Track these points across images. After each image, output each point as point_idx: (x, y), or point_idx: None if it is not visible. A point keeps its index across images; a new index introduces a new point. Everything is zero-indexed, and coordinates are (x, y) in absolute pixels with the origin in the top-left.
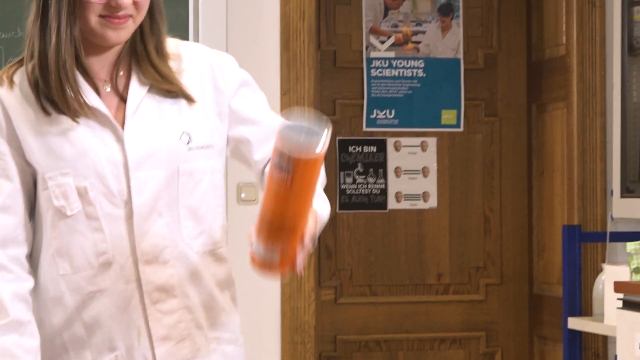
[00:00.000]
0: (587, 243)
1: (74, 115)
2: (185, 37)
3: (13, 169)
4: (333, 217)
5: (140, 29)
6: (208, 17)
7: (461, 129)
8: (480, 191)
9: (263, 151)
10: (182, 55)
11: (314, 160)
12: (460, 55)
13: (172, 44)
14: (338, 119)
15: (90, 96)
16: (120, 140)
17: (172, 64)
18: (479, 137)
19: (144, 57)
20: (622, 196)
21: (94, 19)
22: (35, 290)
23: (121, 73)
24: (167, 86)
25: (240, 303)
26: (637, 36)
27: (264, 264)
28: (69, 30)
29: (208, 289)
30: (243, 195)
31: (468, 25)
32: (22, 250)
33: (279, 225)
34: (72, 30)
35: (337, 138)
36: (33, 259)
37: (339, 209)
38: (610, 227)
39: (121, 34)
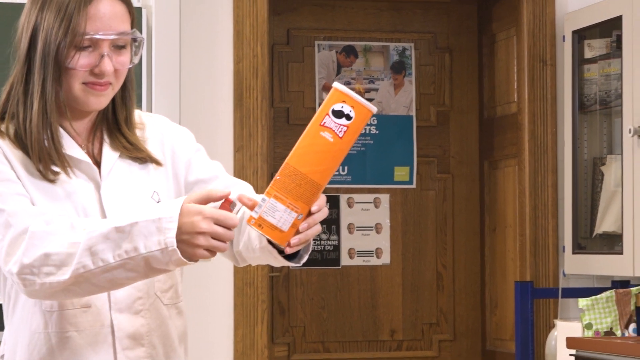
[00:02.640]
0: (540, 299)
1: (57, 166)
2: (138, 93)
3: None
4: (286, 274)
5: (113, 99)
6: (161, 73)
7: (414, 186)
8: (433, 247)
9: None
10: (146, 124)
11: (369, 116)
12: (413, 113)
13: (135, 115)
14: None
15: (76, 150)
16: (99, 193)
17: (138, 132)
18: (431, 194)
19: (115, 127)
20: (573, 252)
21: (77, 86)
22: (17, 324)
23: (94, 140)
24: (135, 153)
25: (194, 359)
26: (588, 94)
27: (274, 227)
28: (52, 96)
29: (171, 340)
30: None
31: (420, 83)
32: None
33: (311, 182)
34: (56, 96)
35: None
36: (18, 293)
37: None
38: (562, 283)
39: (102, 100)
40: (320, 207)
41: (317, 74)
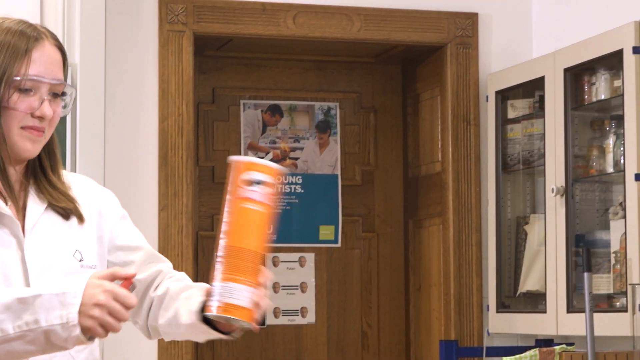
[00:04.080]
0: (464, 358)
1: None
2: (61, 150)
3: None
4: None
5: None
6: (85, 130)
7: (339, 245)
8: (358, 306)
9: (147, 270)
10: (71, 183)
11: (278, 174)
12: (338, 172)
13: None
14: (216, 235)
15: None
16: (21, 249)
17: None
18: (356, 253)
19: (42, 176)
20: (497, 311)
21: (16, 129)
22: None
23: (20, 193)
24: (63, 203)
25: None
26: (511, 153)
27: (239, 307)
28: None
29: None
30: None
31: (345, 142)
32: None
33: (253, 253)
34: None
35: (215, 254)
36: None
37: None
38: (487, 342)
39: (37, 146)
40: (267, 278)
41: (243, 132)
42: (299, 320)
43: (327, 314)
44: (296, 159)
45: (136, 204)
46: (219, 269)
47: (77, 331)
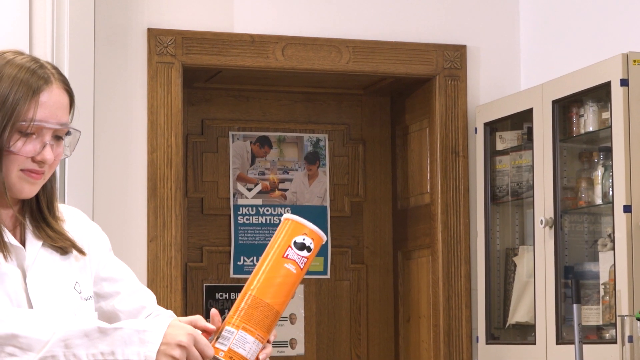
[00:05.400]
0: None
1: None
2: None
3: None
4: None
5: None
6: (74, 162)
7: (328, 276)
8: (347, 338)
9: (132, 302)
10: (64, 215)
11: (322, 243)
12: (327, 203)
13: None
14: (205, 266)
15: (8, 235)
16: (25, 281)
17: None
18: (345, 284)
19: (39, 216)
20: (487, 343)
21: (15, 172)
22: None
23: (16, 229)
24: (60, 243)
25: None
26: (500, 185)
27: (244, 359)
28: None
29: None
30: None
31: (334, 174)
32: None
33: (276, 312)
34: None
35: (204, 285)
36: None
37: None
38: None
39: (34, 189)
40: (276, 336)
41: (232, 164)
42: (288, 351)
43: (317, 345)
44: (285, 190)
45: (125, 236)
46: (238, 314)
47: None
